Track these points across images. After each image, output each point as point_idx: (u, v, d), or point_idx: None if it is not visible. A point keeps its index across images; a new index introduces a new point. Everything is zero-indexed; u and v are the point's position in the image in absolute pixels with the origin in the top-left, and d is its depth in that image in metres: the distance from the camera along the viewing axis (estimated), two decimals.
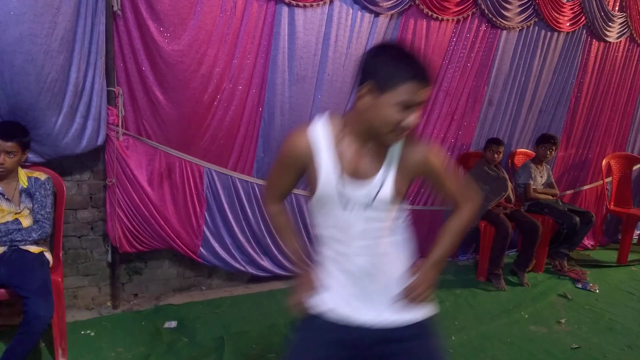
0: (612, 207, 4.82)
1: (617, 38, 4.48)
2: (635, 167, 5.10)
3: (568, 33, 4.19)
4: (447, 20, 3.54)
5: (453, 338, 2.83)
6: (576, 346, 2.83)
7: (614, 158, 4.94)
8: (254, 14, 2.93)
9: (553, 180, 4.32)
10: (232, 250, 3.28)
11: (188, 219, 3.10)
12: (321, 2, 3.03)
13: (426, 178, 1.41)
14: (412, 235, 1.45)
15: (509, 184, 4.01)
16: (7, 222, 2.28)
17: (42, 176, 2.42)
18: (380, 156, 1.31)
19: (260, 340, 2.69)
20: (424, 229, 3.94)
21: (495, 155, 3.89)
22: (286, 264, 3.47)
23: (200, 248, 3.17)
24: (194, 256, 3.16)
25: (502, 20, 3.77)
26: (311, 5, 3.02)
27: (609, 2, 4.29)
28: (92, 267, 2.97)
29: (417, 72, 1.17)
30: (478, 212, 1.48)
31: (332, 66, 3.20)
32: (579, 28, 4.22)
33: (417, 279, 1.36)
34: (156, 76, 2.76)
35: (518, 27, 3.91)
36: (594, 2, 4.14)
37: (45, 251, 2.38)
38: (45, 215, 2.37)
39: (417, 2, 3.36)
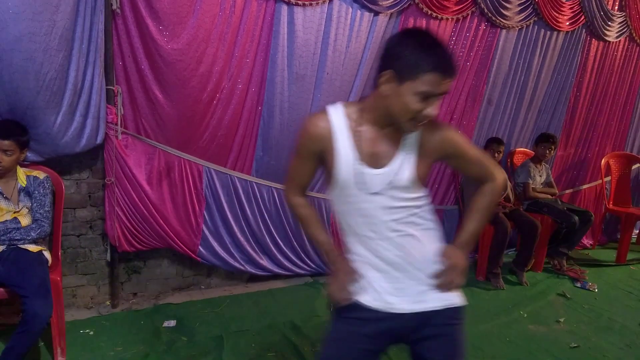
0: (611, 206, 4.83)
1: (617, 37, 4.48)
2: (634, 167, 5.11)
3: (567, 32, 4.19)
4: (447, 19, 3.54)
5: None
6: (575, 345, 2.84)
7: (613, 157, 4.95)
8: (253, 12, 2.92)
9: (552, 180, 4.32)
10: (231, 250, 3.28)
11: (187, 218, 3.09)
12: (320, 1, 3.02)
13: (449, 158, 1.38)
14: (437, 220, 1.43)
15: (508, 183, 4.02)
16: (6, 221, 2.28)
17: (41, 175, 2.41)
18: (397, 140, 1.29)
19: (259, 339, 2.68)
20: None
21: (496, 155, 3.90)
22: (286, 263, 3.47)
23: (200, 247, 3.17)
24: (193, 255, 3.16)
25: (502, 20, 3.76)
26: (310, 4, 3.01)
27: (608, 1, 4.29)
28: (91, 266, 2.97)
29: (439, 62, 1.15)
30: (504, 188, 1.45)
31: (332, 65, 3.20)
32: (579, 27, 4.22)
33: (448, 265, 1.34)
34: (155, 75, 2.76)
35: (517, 26, 3.90)
36: (594, 1, 4.14)
37: (44, 250, 2.38)
38: (44, 214, 2.36)
39: (416, 1, 3.35)
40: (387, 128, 1.28)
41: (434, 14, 3.46)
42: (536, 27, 4.03)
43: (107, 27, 2.59)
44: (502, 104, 4.15)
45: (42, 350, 2.42)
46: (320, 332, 2.78)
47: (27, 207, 2.35)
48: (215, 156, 3.10)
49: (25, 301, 2.05)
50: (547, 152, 4.11)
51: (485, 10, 3.66)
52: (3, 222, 2.27)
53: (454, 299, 1.35)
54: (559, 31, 4.12)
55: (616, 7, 4.37)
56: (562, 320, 3.17)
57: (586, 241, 4.89)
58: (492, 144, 3.95)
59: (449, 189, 4.16)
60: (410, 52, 1.16)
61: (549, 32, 4.10)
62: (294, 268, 3.52)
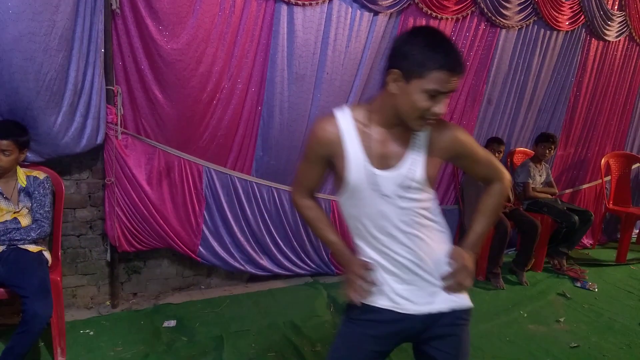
0: (611, 206, 4.83)
1: (616, 37, 4.48)
2: (634, 166, 5.11)
3: (567, 32, 4.19)
4: (446, 19, 3.54)
5: None
6: (575, 345, 2.84)
7: (613, 157, 4.95)
8: (253, 12, 2.92)
9: (552, 179, 4.32)
10: (231, 250, 3.28)
11: (187, 218, 3.09)
12: (320, 1, 3.02)
13: (457, 158, 1.39)
14: (445, 221, 1.43)
15: None
16: (6, 221, 2.28)
17: (41, 175, 2.41)
18: (406, 141, 1.30)
19: (259, 339, 2.68)
20: None
21: (496, 155, 3.91)
22: (286, 263, 3.47)
23: (200, 247, 3.17)
24: (193, 255, 3.16)
25: (501, 19, 3.76)
26: (310, 4, 3.01)
27: (608, 1, 4.29)
28: (91, 266, 2.97)
29: (446, 60, 1.15)
30: (509, 189, 1.46)
31: (331, 65, 3.20)
32: (578, 27, 4.22)
33: (456, 266, 1.35)
34: (155, 75, 2.76)
35: (517, 26, 3.90)
36: (593, 1, 4.14)
37: (44, 250, 2.38)
38: (44, 215, 2.36)
39: (416, 0, 3.35)
40: (395, 128, 1.28)
41: (434, 14, 3.46)
42: (536, 26, 4.03)
43: (107, 27, 2.59)
44: (502, 103, 4.15)
45: (42, 351, 2.42)
46: (320, 332, 2.79)
47: (27, 208, 2.35)
48: (215, 156, 3.10)
49: (25, 301, 2.05)
50: (547, 151, 4.11)
51: (485, 10, 3.66)
52: (3, 223, 2.27)
53: (463, 300, 1.36)
54: (558, 31, 4.12)
55: (616, 7, 4.37)
56: (562, 320, 3.17)
57: (586, 241, 4.89)
58: (492, 144, 3.96)
59: (449, 188, 4.16)
60: (417, 51, 1.16)
61: (548, 32, 4.09)
62: (294, 268, 3.52)
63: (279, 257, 3.45)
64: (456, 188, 4.14)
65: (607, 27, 4.35)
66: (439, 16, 3.49)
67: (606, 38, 4.41)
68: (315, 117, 3.26)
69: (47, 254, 2.37)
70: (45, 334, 2.27)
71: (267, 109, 3.17)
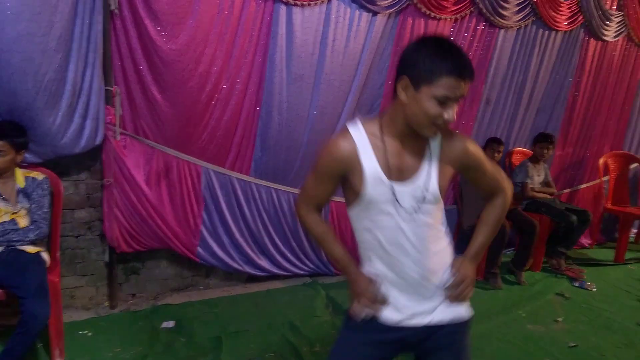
0: (609, 205, 4.83)
1: (615, 37, 4.48)
2: (632, 166, 5.12)
3: (565, 32, 4.19)
4: (445, 19, 3.54)
5: None
6: (574, 344, 2.84)
7: (611, 157, 4.96)
8: (252, 13, 2.92)
9: (550, 179, 4.32)
10: (230, 250, 3.28)
11: (186, 219, 3.09)
12: (319, 1, 3.02)
13: (466, 169, 1.39)
14: (449, 233, 1.44)
15: None
16: (4, 222, 2.27)
17: (40, 176, 2.41)
18: (420, 151, 1.30)
19: (258, 339, 2.68)
20: None
21: (495, 155, 3.92)
22: (284, 263, 3.47)
23: (198, 248, 3.17)
24: (192, 256, 3.16)
25: (500, 19, 3.77)
26: (309, 4, 3.01)
27: (606, 1, 4.30)
28: (90, 267, 2.96)
29: (455, 65, 1.15)
30: (510, 201, 1.48)
31: (330, 65, 3.20)
32: (577, 27, 4.23)
33: (459, 277, 1.36)
34: (153, 75, 2.75)
35: (516, 26, 3.91)
36: (592, 1, 4.14)
37: (42, 251, 2.37)
38: (43, 216, 2.36)
39: (414, 1, 3.35)
40: (408, 139, 1.28)
41: (432, 14, 3.46)
42: (534, 26, 4.03)
43: (106, 28, 2.59)
44: (500, 103, 4.16)
45: (41, 352, 2.41)
46: (319, 332, 2.79)
47: (25, 208, 2.34)
48: (214, 156, 3.10)
49: (23, 302, 2.05)
50: (545, 151, 4.11)
51: (484, 10, 3.67)
52: (1, 224, 2.26)
53: (464, 310, 1.38)
54: (557, 31, 4.13)
55: (614, 7, 4.38)
56: (560, 319, 3.18)
57: (584, 240, 4.89)
58: (492, 144, 3.96)
59: (448, 188, 4.16)
60: (426, 57, 1.17)
61: (547, 32, 4.10)
62: (292, 268, 3.52)
63: (278, 257, 3.44)
64: (455, 187, 4.14)
65: (606, 27, 4.36)
66: (438, 16, 3.49)
67: (604, 38, 4.41)
68: (313, 117, 3.27)
69: (45, 255, 2.37)
70: (43, 335, 2.27)
71: (266, 109, 3.17)
